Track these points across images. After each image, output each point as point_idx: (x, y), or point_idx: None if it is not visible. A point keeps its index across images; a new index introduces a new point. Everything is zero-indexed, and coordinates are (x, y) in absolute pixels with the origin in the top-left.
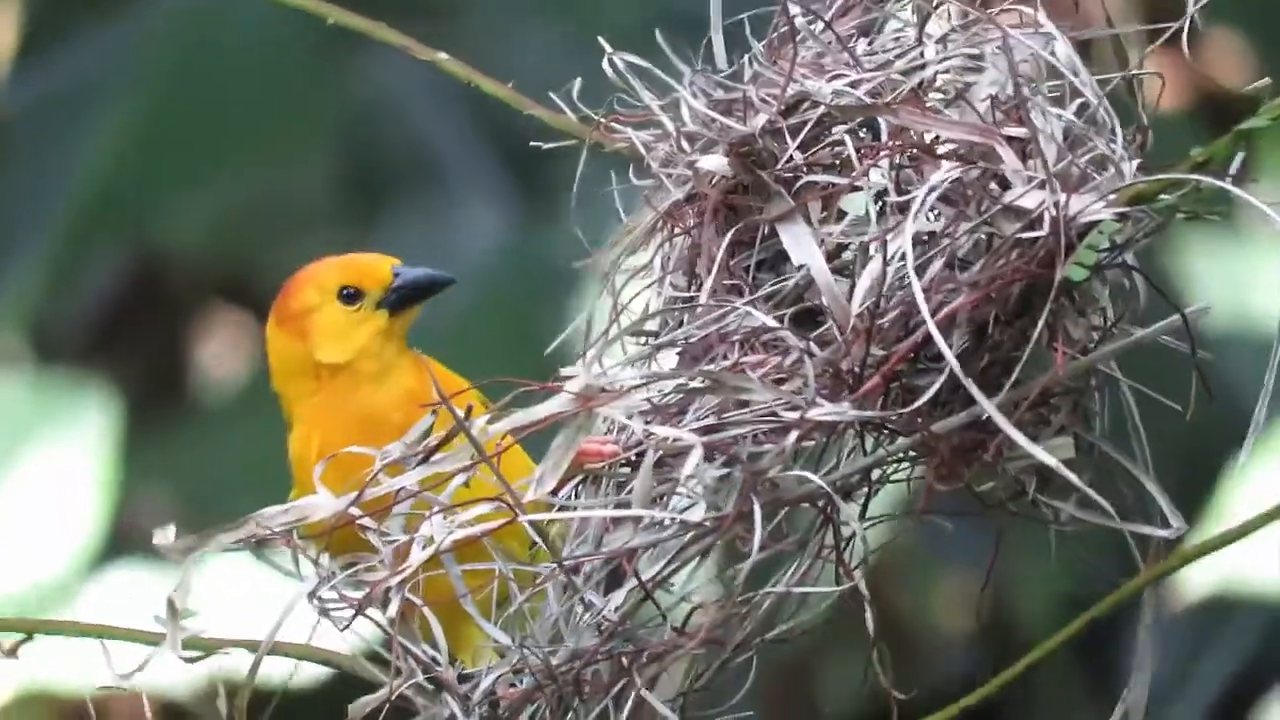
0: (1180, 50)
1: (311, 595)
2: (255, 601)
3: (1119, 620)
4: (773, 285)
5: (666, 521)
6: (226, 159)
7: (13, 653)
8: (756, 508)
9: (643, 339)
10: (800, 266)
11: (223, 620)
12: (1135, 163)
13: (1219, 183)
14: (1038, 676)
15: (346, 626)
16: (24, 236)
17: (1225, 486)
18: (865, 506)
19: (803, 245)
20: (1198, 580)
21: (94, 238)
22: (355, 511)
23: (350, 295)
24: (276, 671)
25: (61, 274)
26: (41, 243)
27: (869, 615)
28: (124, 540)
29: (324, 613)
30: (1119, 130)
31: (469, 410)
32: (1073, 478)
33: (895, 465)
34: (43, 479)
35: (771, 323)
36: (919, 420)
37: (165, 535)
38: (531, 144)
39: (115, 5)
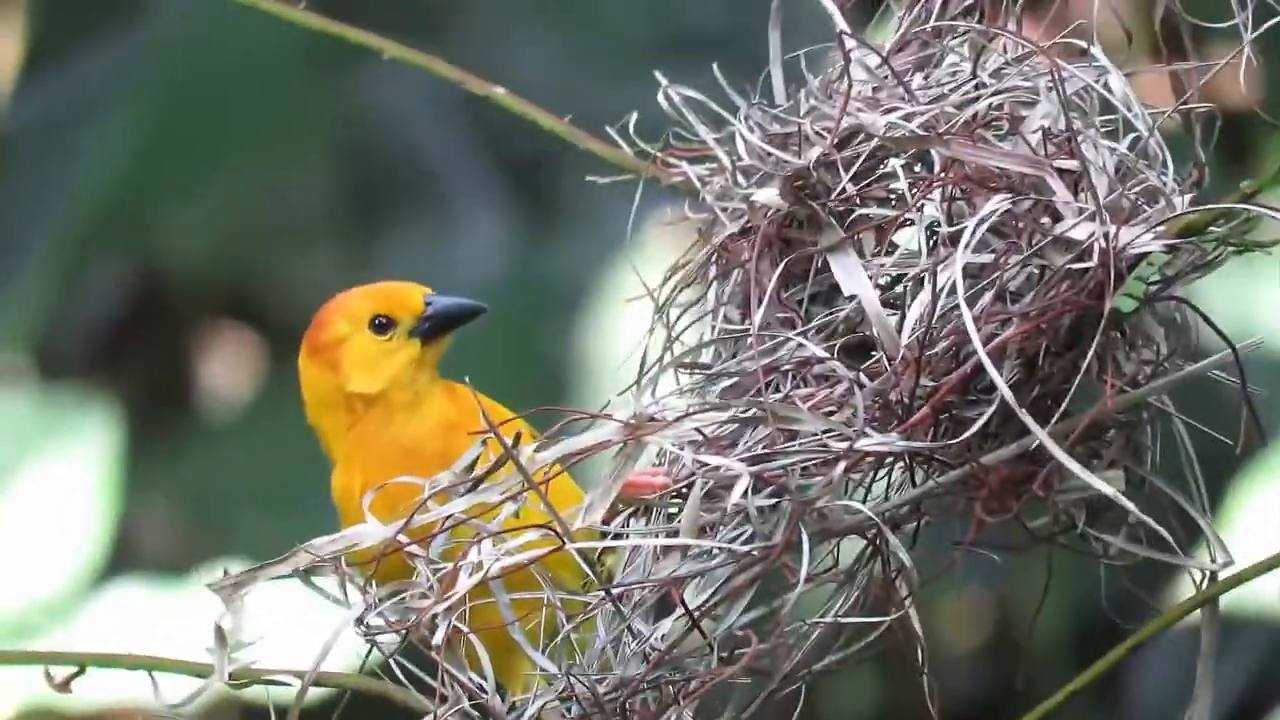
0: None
1: (358, 622)
2: (301, 628)
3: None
4: (824, 318)
5: (714, 551)
6: (228, 174)
7: (66, 686)
8: (805, 538)
9: (694, 370)
10: (851, 297)
11: (269, 649)
12: (1189, 197)
13: (1268, 212)
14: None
15: (393, 654)
16: (26, 252)
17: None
18: (915, 538)
19: (854, 276)
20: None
21: (96, 253)
22: (404, 539)
23: (382, 325)
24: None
25: (64, 290)
26: (44, 258)
27: (920, 647)
28: (127, 557)
29: (371, 640)
30: (1170, 163)
31: (518, 438)
32: (1131, 506)
33: (945, 497)
34: (45, 495)
35: (821, 353)
36: (968, 452)
37: (214, 575)
38: (588, 178)
39: (118, 21)
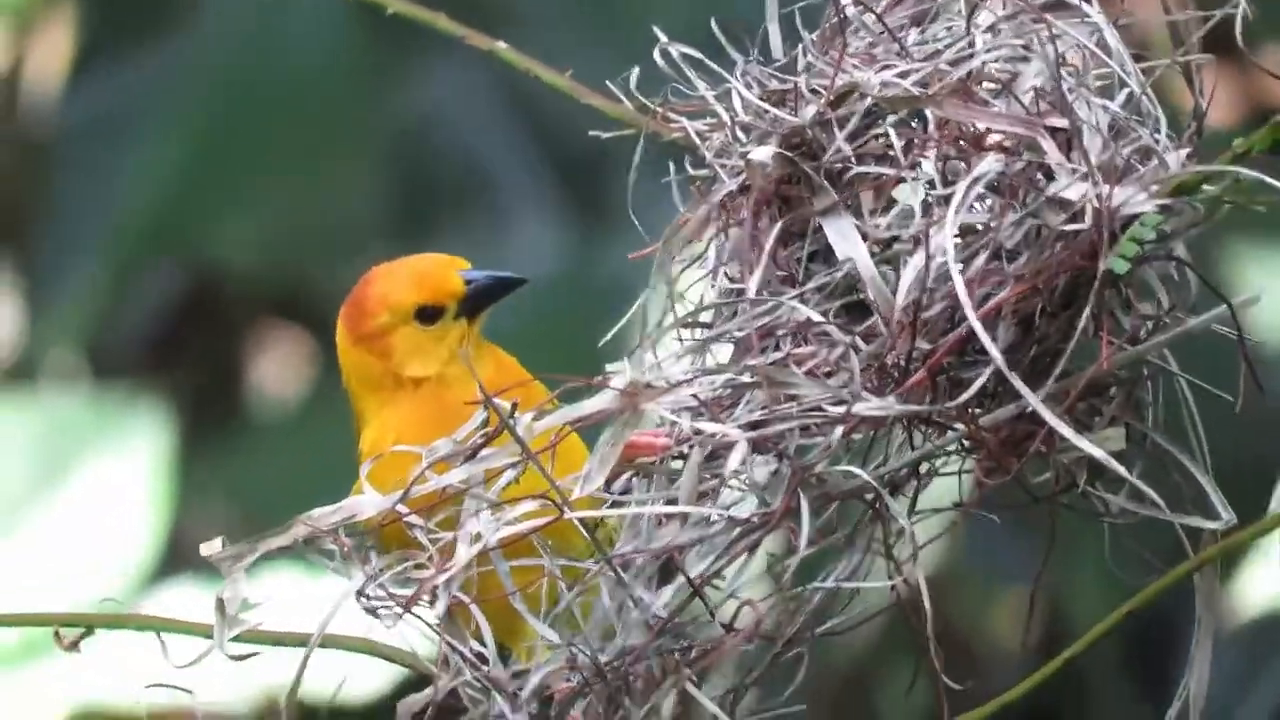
0: (1232, 66)
1: (360, 593)
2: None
3: (1174, 629)
4: (823, 277)
5: (714, 518)
6: (279, 176)
7: (74, 646)
8: (804, 503)
9: (695, 331)
10: (846, 259)
11: (274, 627)
12: (1185, 153)
13: (1257, 174)
14: (1092, 683)
15: (394, 624)
16: (79, 254)
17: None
18: (914, 501)
19: (847, 238)
20: (1251, 598)
21: (148, 255)
22: (403, 509)
23: (428, 314)
24: (328, 678)
25: (116, 291)
26: (96, 260)
27: (923, 610)
28: (179, 557)
29: (372, 611)
30: (1164, 121)
31: (514, 407)
32: (1119, 469)
33: (944, 459)
34: (98, 496)
35: (816, 317)
36: (966, 413)
37: (213, 545)
38: (590, 133)
39: (168, 24)
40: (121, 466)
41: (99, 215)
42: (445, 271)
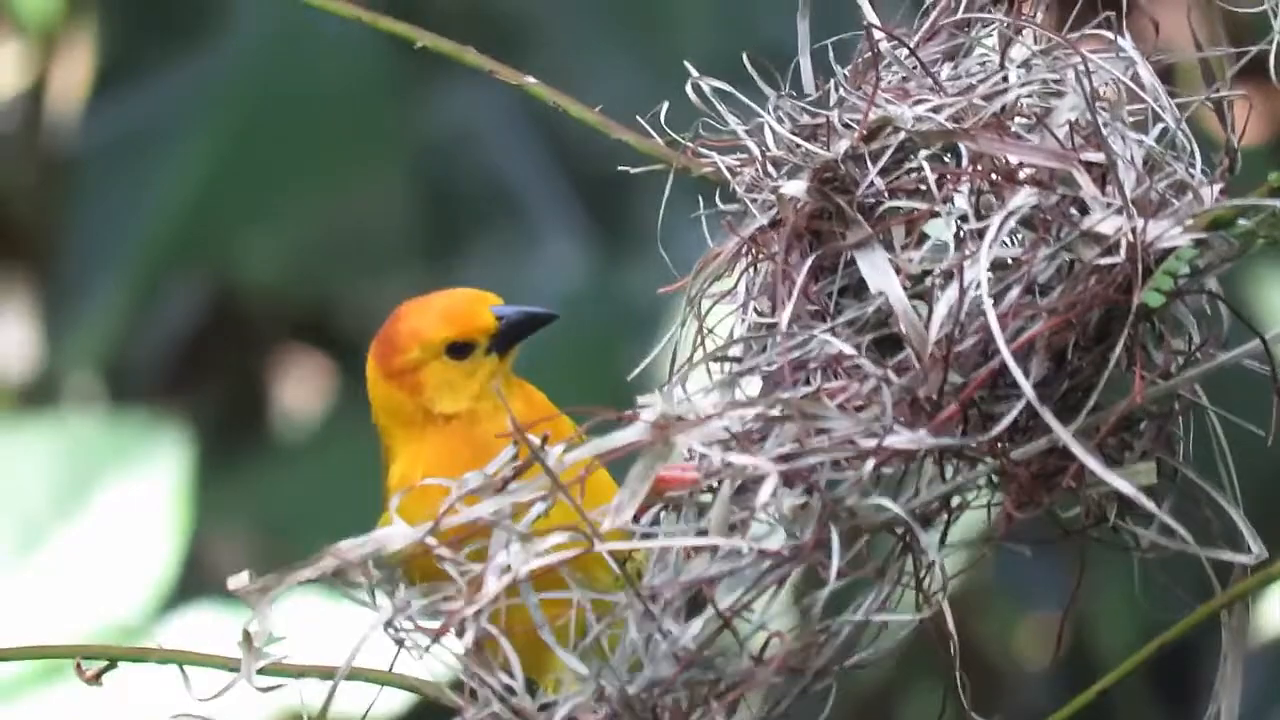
0: (1259, 86)
1: (388, 625)
2: (333, 639)
3: (1198, 655)
4: (855, 311)
5: (744, 550)
6: (303, 195)
7: (96, 679)
8: (834, 536)
9: (725, 365)
10: (879, 293)
11: (300, 657)
12: (1219, 188)
13: None
14: (1117, 710)
15: (422, 656)
16: (100, 274)
17: None
18: (945, 534)
19: (881, 272)
20: (1274, 618)
21: (170, 274)
22: (432, 541)
23: (459, 350)
24: (355, 706)
25: (137, 310)
26: (117, 281)
27: (951, 643)
28: (199, 579)
29: (400, 642)
30: (1199, 155)
31: (544, 439)
32: (1149, 504)
33: (975, 492)
34: (118, 518)
35: (848, 349)
36: (998, 447)
37: (240, 578)
38: (619, 168)
39: (191, 41)
40: (142, 488)
41: (120, 235)
42: (476, 307)
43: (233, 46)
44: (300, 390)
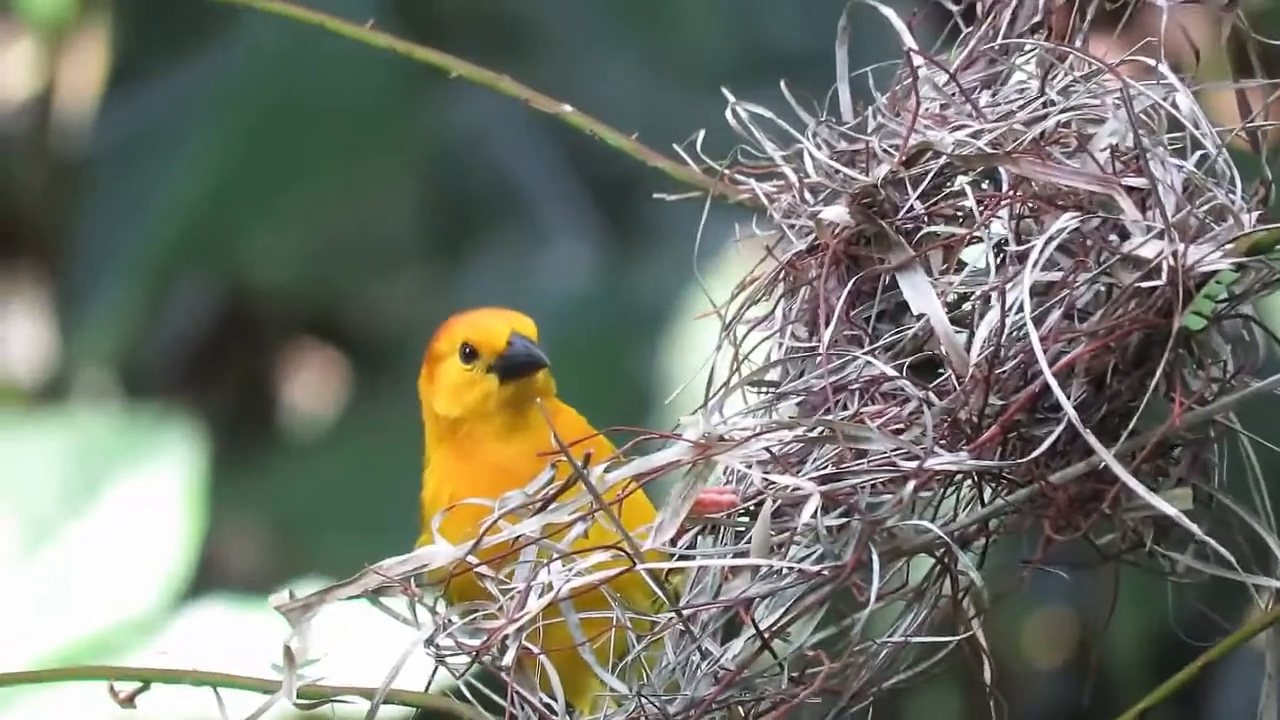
0: None
1: (428, 643)
2: (371, 650)
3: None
4: (892, 335)
5: (784, 571)
6: (314, 195)
7: (130, 702)
8: (875, 557)
9: (763, 389)
10: (920, 316)
11: (338, 669)
12: (1256, 214)
13: None
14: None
15: (463, 675)
16: (111, 273)
17: None
18: (984, 556)
19: (923, 294)
20: None
21: (181, 273)
22: (473, 560)
23: (468, 354)
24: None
25: (149, 310)
26: (129, 277)
27: (987, 663)
28: (211, 575)
29: (440, 660)
30: (1239, 181)
31: (587, 458)
32: (1193, 527)
33: (1013, 515)
34: (130, 514)
35: (890, 372)
36: (1037, 470)
37: (281, 596)
38: (655, 196)
39: (201, 43)
40: (153, 485)
41: (132, 234)
42: (500, 326)
43: (243, 48)
44: (311, 388)
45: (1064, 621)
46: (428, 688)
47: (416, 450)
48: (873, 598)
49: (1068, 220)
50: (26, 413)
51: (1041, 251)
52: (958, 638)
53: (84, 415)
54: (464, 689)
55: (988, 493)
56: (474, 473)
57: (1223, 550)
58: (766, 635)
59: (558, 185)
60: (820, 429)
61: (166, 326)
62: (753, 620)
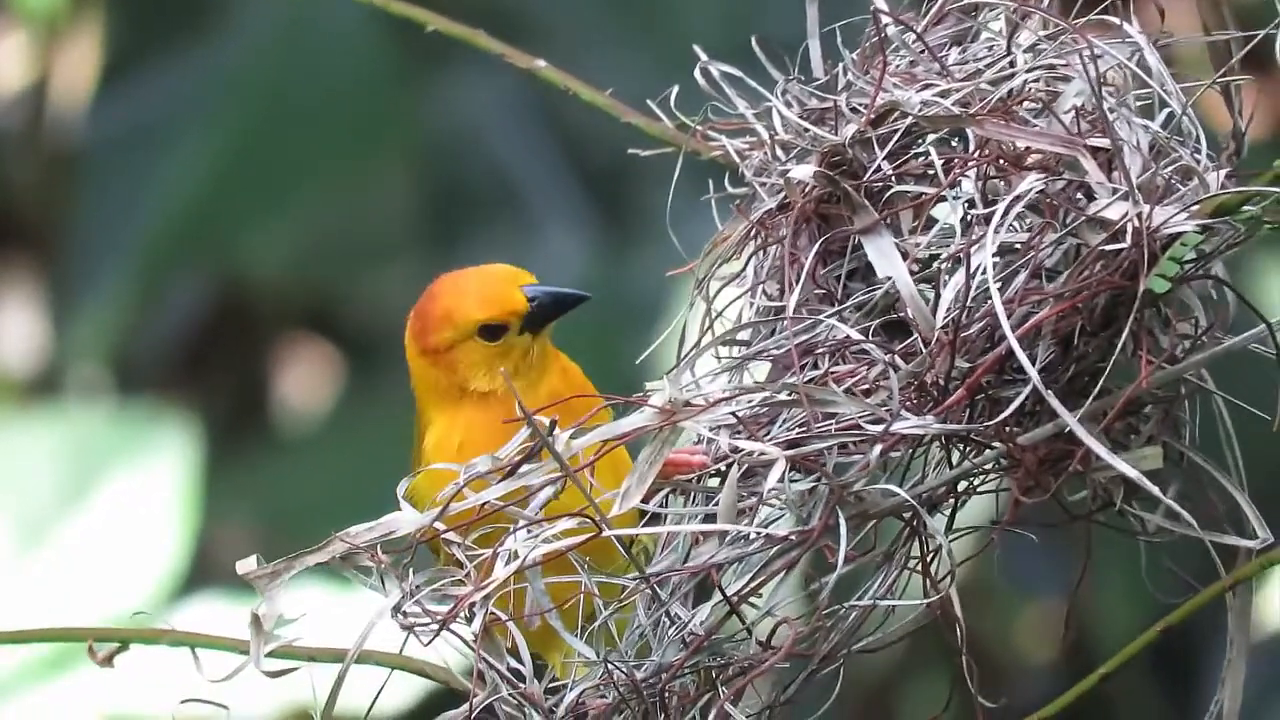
0: (1267, 80)
1: (396, 610)
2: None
3: (1199, 643)
4: (862, 295)
5: (752, 535)
6: (307, 188)
7: (108, 661)
8: (842, 521)
9: (734, 349)
10: (886, 279)
11: (309, 635)
12: (1224, 173)
13: None
14: (1117, 700)
15: (430, 642)
16: (105, 267)
17: None
18: (952, 519)
19: (887, 257)
20: (1277, 608)
21: (175, 268)
22: (440, 526)
23: (491, 331)
24: (363, 692)
25: (143, 305)
26: (123, 273)
27: (958, 628)
28: (206, 570)
29: (409, 628)
30: (1204, 140)
31: (553, 424)
32: (1154, 489)
33: (982, 477)
34: (124, 509)
35: (855, 335)
36: (1005, 432)
37: (248, 563)
38: (630, 151)
39: (196, 35)
40: (148, 480)
41: (125, 228)
42: (509, 289)
43: (238, 40)
44: (306, 382)
45: (1056, 615)
46: (401, 651)
47: (410, 445)
48: (840, 561)
49: (1033, 182)
50: (21, 408)
51: (1006, 213)
52: (927, 600)
53: (79, 410)
54: (435, 653)
55: (956, 455)
56: (491, 423)
57: (1183, 512)
58: (735, 600)
59: (553, 176)
60: (786, 392)
61: (160, 321)
62: (719, 585)
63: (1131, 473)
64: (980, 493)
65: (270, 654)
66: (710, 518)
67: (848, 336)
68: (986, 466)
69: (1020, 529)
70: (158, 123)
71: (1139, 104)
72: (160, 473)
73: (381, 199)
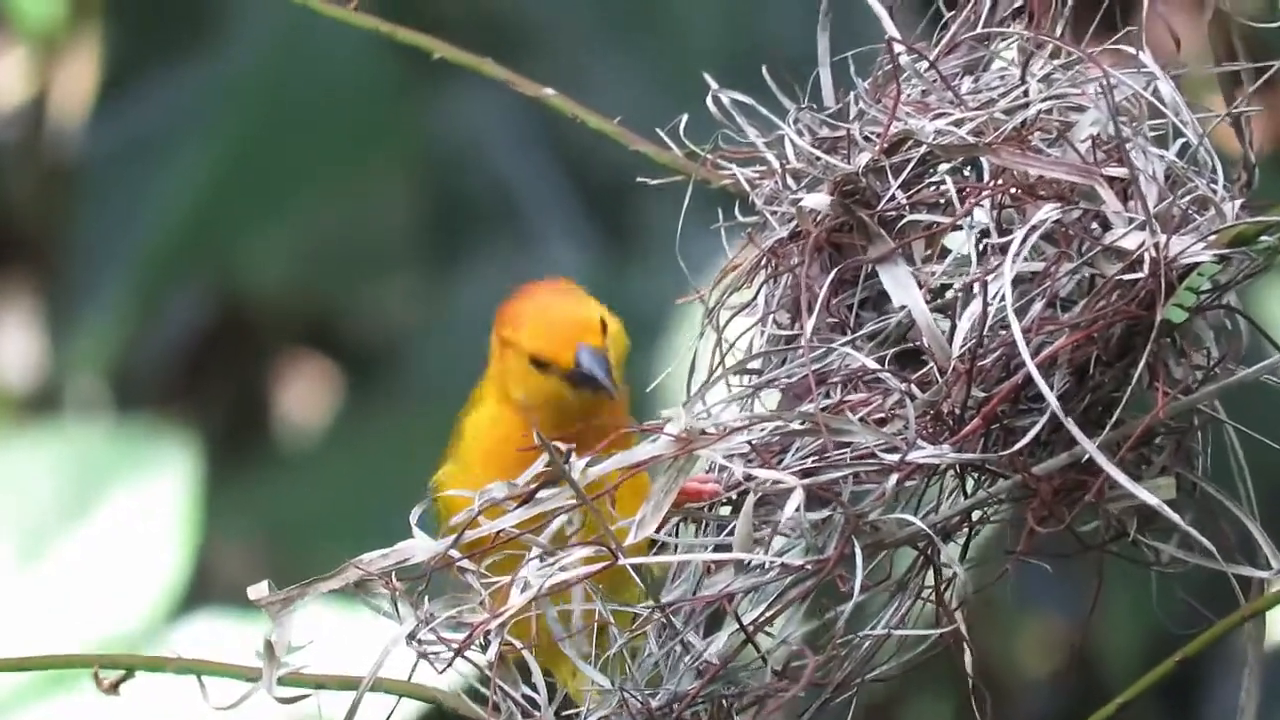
0: (1273, 95)
1: (411, 637)
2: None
3: (1202, 663)
4: (875, 324)
5: (767, 564)
6: (307, 201)
7: (114, 689)
8: (858, 550)
9: (745, 378)
10: (901, 307)
11: (321, 661)
12: (1238, 203)
13: None
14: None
15: (445, 669)
16: (104, 281)
17: None
18: (966, 548)
19: (904, 287)
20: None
21: (174, 280)
22: (455, 554)
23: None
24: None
25: (142, 317)
26: (121, 286)
27: (968, 657)
28: (206, 586)
29: (423, 655)
30: (1220, 170)
31: (569, 452)
32: (1175, 517)
33: (996, 507)
34: (124, 525)
35: (871, 364)
36: (1020, 461)
37: (261, 589)
38: (638, 179)
39: (195, 48)
40: (147, 496)
41: (125, 242)
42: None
43: (236, 53)
44: (305, 396)
45: (1057, 630)
46: (410, 678)
47: (411, 459)
48: (856, 591)
49: (1049, 211)
50: (19, 423)
51: (1023, 243)
52: (941, 630)
53: (77, 426)
54: (448, 680)
55: (971, 484)
56: (521, 428)
57: (1203, 540)
58: (750, 630)
59: (553, 191)
60: (801, 421)
61: (159, 336)
62: (736, 615)
63: (1153, 501)
64: (994, 522)
65: (281, 681)
66: (721, 547)
67: (863, 365)
68: (1001, 496)
69: (1034, 559)
70: (156, 136)
71: (1153, 133)
72: (160, 488)
73: (382, 212)
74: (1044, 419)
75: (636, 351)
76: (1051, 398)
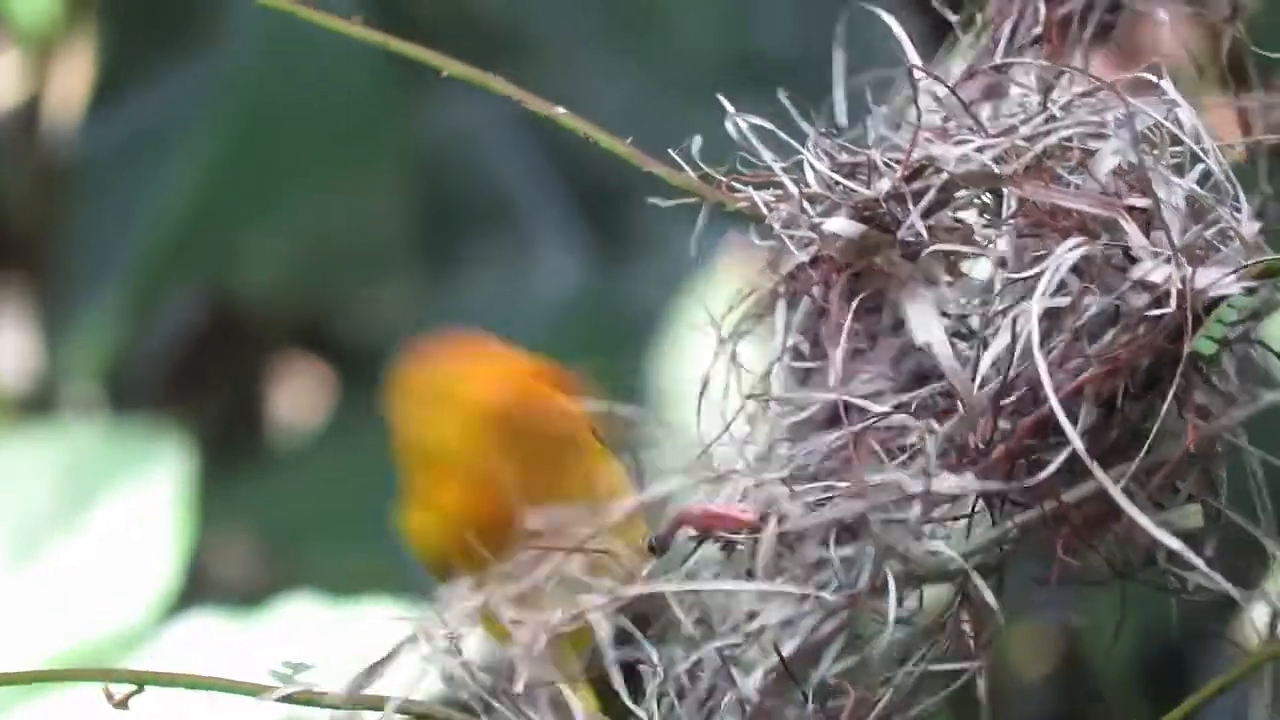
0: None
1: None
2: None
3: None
4: (898, 350)
5: (800, 595)
6: (301, 202)
7: (123, 704)
8: (891, 583)
9: (764, 406)
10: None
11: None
12: (1258, 230)
13: None
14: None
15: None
16: (98, 280)
17: None
18: (1001, 581)
19: (926, 323)
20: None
21: (169, 282)
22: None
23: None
24: None
25: (136, 319)
26: (115, 287)
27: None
28: (200, 587)
29: (448, 682)
30: (1243, 199)
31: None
32: (1196, 559)
33: (1025, 537)
34: (118, 526)
35: (891, 410)
36: (1051, 491)
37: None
38: (650, 200)
39: (189, 49)
40: (142, 497)
41: (119, 243)
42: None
43: (230, 54)
44: (299, 397)
45: (1049, 633)
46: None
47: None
48: (890, 624)
49: (1074, 246)
50: (13, 424)
51: (1050, 280)
52: (976, 664)
53: (72, 427)
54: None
55: (999, 516)
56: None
57: (1224, 584)
58: (790, 664)
59: (546, 192)
60: (827, 450)
61: (153, 337)
62: (779, 650)
63: (1175, 545)
64: (1024, 552)
65: (287, 699)
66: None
67: (884, 403)
68: (1030, 524)
69: (1063, 584)
70: (151, 137)
71: (1175, 162)
72: (155, 488)
73: (375, 214)
74: (1067, 451)
75: (631, 349)
76: (1074, 436)
